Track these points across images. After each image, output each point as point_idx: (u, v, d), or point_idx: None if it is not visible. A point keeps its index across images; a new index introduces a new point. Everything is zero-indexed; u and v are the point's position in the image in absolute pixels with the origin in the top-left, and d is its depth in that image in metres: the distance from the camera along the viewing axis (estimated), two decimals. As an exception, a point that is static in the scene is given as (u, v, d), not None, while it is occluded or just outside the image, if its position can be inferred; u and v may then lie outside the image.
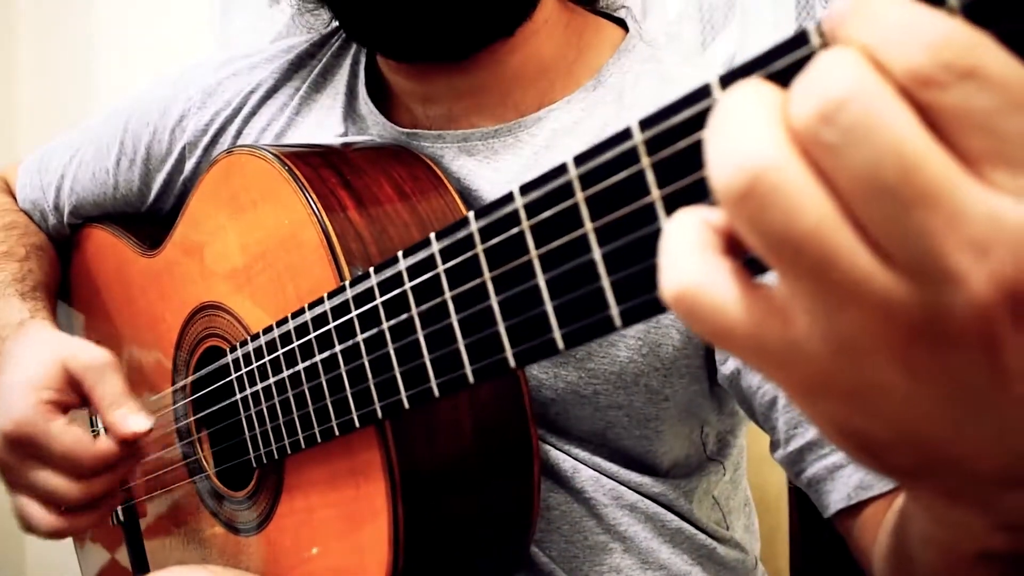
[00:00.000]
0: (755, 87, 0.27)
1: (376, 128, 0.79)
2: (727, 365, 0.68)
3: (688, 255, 0.28)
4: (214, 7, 1.97)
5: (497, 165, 0.73)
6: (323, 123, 0.81)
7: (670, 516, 0.74)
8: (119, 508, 0.92)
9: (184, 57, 1.83)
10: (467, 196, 0.72)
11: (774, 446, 0.67)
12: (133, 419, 0.71)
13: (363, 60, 0.83)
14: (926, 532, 0.38)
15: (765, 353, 0.27)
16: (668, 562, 0.74)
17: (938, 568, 0.39)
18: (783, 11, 1.87)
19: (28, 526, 0.75)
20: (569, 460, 0.72)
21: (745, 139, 0.26)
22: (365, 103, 0.80)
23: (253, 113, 0.85)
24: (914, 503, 0.36)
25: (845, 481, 0.62)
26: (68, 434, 0.71)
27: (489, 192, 0.72)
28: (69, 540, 1.05)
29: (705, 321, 0.27)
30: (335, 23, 0.86)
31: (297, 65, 0.86)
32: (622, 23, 0.80)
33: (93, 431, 0.90)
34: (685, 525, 0.75)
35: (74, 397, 0.74)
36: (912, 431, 0.27)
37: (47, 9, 2.03)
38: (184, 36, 2.00)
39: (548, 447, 0.72)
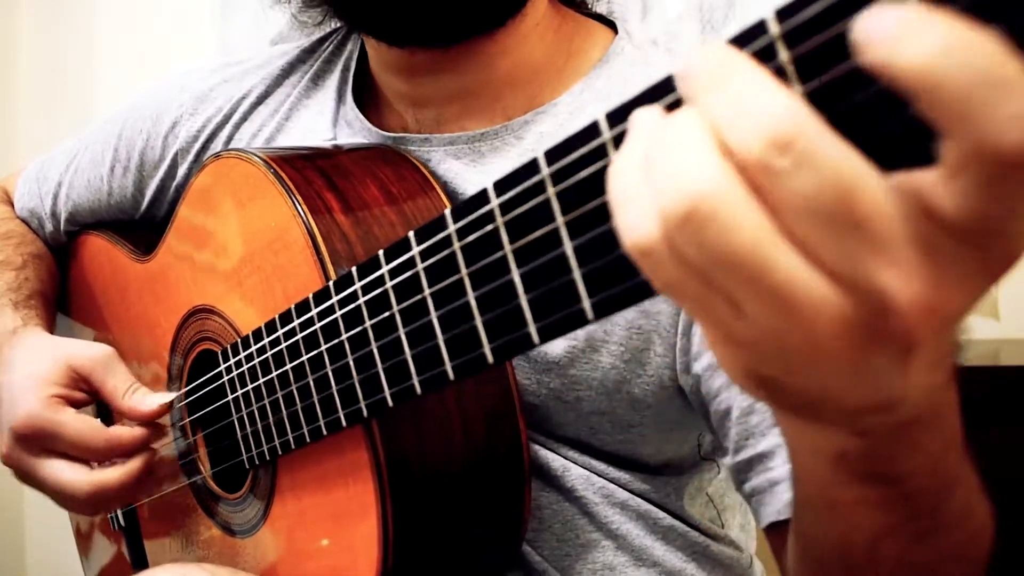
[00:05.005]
0: (696, 115, 0.29)
1: (363, 133, 0.79)
2: (691, 368, 0.68)
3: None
4: (214, 7, 1.97)
5: (483, 168, 0.73)
6: (313, 127, 0.82)
7: (661, 514, 0.74)
8: (119, 512, 0.93)
9: (184, 57, 1.83)
10: (454, 199, 0.73)
11: (723, 452, 0.68)
12: (149, 399, 0.74)
13: (353, 66, 0.83)
14: (792, 444, 0.42)
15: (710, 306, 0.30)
16: (661, 559, 0.74)
17: (810, 493, 0.43)
18: (780, 10, 1.87)
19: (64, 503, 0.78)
20: (559, 459, 0.72)
21: (688, 164, 0.27)
22: (352, 108, 0.81)
23: (244, 119, 0.85)
24: (786, 423, 0.40)
25: (780, 497, 0.63)
26: (79, 421, 0.74)
27: None
28: (70, 541, 1.06)
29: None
30: (330, 26, 0.86)
31: (288, 71, 0.86)
32: (614, 26, 0.80)
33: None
34: (677, 522, 0.75)
35: (82, 394, 0.76)
36: (810, 387, 0.31)
37: (47, 9, 2.04)
38: (184, 36, 2.00)
39: (537, 446, 0.72)
